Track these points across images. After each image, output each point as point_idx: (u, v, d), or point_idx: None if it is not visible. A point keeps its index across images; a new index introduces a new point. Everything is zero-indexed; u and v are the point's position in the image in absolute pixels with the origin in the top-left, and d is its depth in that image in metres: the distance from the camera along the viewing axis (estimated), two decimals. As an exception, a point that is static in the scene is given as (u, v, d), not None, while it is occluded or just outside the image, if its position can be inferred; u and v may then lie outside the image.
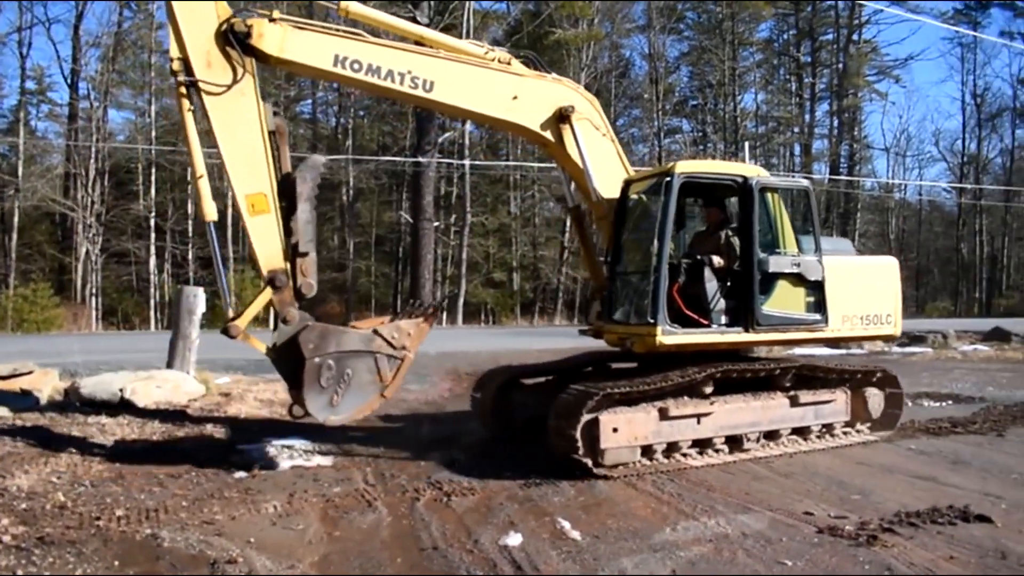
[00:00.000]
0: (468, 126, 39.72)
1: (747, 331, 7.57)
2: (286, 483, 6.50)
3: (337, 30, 7.14)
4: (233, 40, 6.53)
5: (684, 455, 7.26)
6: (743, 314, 7.60)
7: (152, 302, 36.25)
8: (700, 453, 7.36)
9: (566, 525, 5.32)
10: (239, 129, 6.65)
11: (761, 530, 5.24)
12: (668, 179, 7.37)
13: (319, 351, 6.60)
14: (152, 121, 39.32)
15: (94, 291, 35.25)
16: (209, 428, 8.72)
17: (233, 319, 6.62)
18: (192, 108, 6.62)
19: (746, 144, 20.01)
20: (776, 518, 5.52)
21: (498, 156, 47.30)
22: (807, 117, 54.99)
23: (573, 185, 8.82)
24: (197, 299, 11.76)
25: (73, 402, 9.84)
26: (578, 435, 6.50)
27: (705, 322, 7.51)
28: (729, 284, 7.71)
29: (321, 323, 6.85)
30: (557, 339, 21.23)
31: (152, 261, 36.76)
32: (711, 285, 7.63)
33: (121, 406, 9.70)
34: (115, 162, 39.08)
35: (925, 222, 63.78)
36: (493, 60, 7.81)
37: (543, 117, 8.00)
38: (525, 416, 8.31)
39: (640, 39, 51.24)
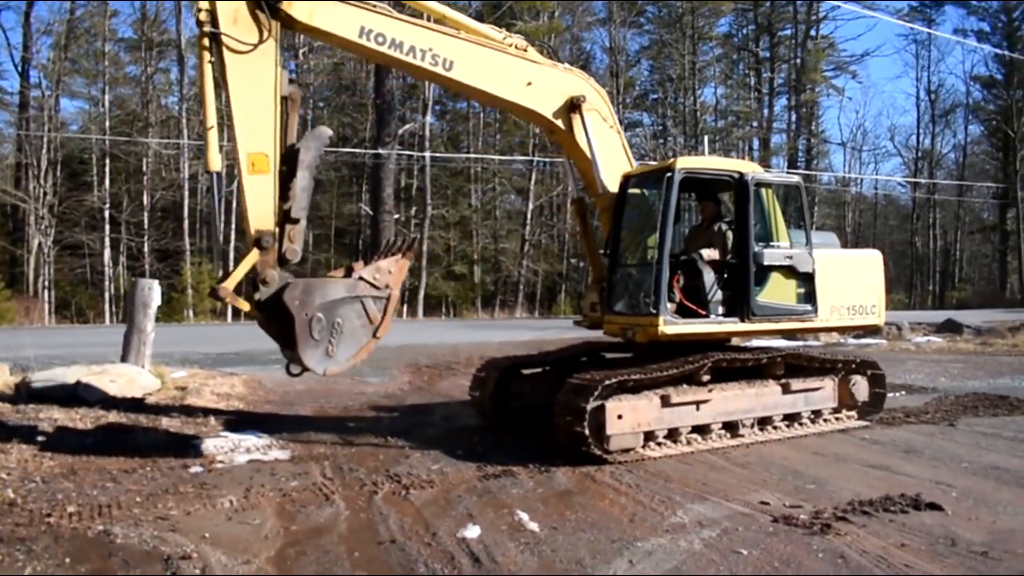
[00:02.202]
0: (429, 117, 39.55)
1: (743, 321, 7.88)
2: (242, 477, 6.43)
3: (364, 3, 7.27)
4: (264, 3, 6.64)
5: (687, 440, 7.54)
6: (739, 305, 7.89)
7: (107, 295, 35.65)
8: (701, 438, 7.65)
9: (524, 517, 5.32)
10: (254, 89, 6.71)
11: (717, 520, 5.29)
12: (669, 174, 7.60)
13: (306, 306, 6.58)
14: (106, 111, 38.56)
15: (47, 284, 34.56)
16: (164, 422, 8.59)
17: (220, 281, 6.55)
18: (211, 60, 6.64)
19: (705, 138, 20.21)
20: (732, 508, 5.58)
21: (459, 149, 47.18)
22: (766, 112, 55.68)
23: (578, 176, 9.00)
24: (152, 292, 11.55)
25: (24, 397, 9.63)
26: (585, 422, 6.67)
27: (703, 313, 7.76)
28: (725, 276, 7.99)
29: (302, 278, 6.84)
30: (519, 332, 21.28)
31: (107, 253, 36.13)
32: (708, 277, 7.91)
33: (74, 400, 9.52)
34: (68, 152, 38.35)
35: (880, 216, 64.87)
36: (511, 46, 8.01)
37: (555, 105, 8.21)
38: (522, 405, 8.62)
39: (601, 32, 51.46)
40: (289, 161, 6.84)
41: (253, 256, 6.60)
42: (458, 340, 18.90)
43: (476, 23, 8.22)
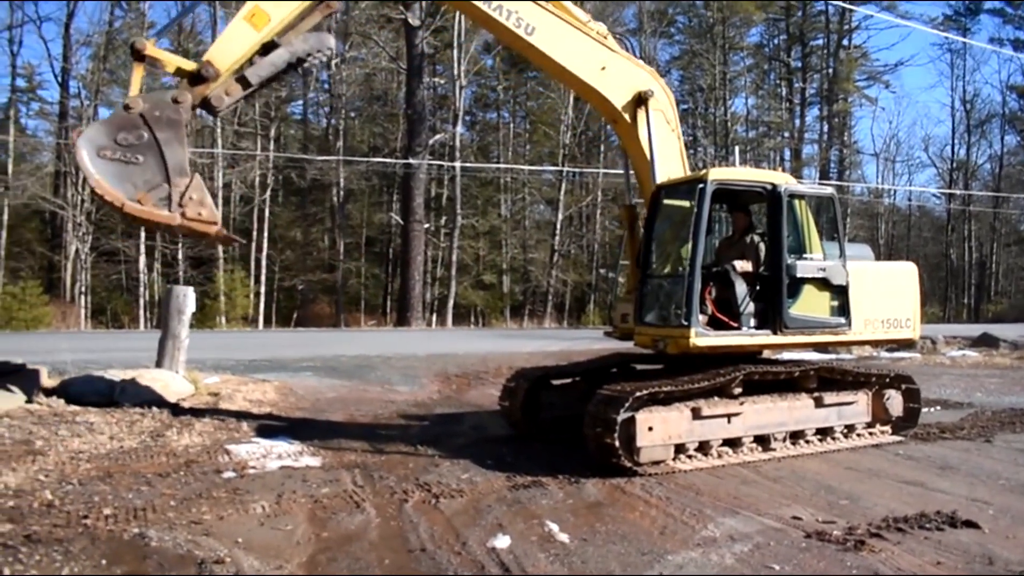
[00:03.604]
0: (459, 127, 39.73)
1: (775, 333, 7.82)
2: (274, 483, 6.48)
3: None
4: None
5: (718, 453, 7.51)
6: (771, 317, 7.84)
7: (141, 301, 36.08)
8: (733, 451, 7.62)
9: (554, 528, 5.32)
10: None
11: (749, 534, 5.25)
12: (701, 185, 7.56)
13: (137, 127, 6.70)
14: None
15: (83, 289, 35.06)
16: (198, 427, 8.68)
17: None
18: None
19: (736, 148, 20.08)
20: (764, 522, 5.54)
21: (489, 159, 47.35)
22: (797, 122, 55.24)
23: (633, 181, 9.13)
24: (187, 299, 11.72)
25: (61, 400, 9.78)
26: (615, 433, 6.66)
27: (735, 325, 7.73)
28: (758, 288, 7.96)
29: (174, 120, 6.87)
30: (548, 342, 21.27)
31: (142, 260, 36.59)
32: (740, 289, 7.88)
33: (110, 404, 9.67)
34: (105, 160, 38.87)
35: (914, 227, 64.09)
36: (593, 31, 8.29)
37: (624, 95, 8.43)
38: (552, 415, 8.66)
39: (632, 42, 51.40)
40: (284, 41, 7.19)
41: (182, 65, 6.96)
42: (487, 349, 18.92)
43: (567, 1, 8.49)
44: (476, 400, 12.01)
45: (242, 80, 7.12)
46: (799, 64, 55.21)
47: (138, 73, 7.08)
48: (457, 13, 36.46)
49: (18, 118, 40.60)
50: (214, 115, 7.44)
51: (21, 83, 40.98)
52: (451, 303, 38.73)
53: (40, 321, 28.75)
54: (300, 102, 46.60)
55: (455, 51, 38.17)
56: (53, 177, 38.83)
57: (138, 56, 6.91)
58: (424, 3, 35.98)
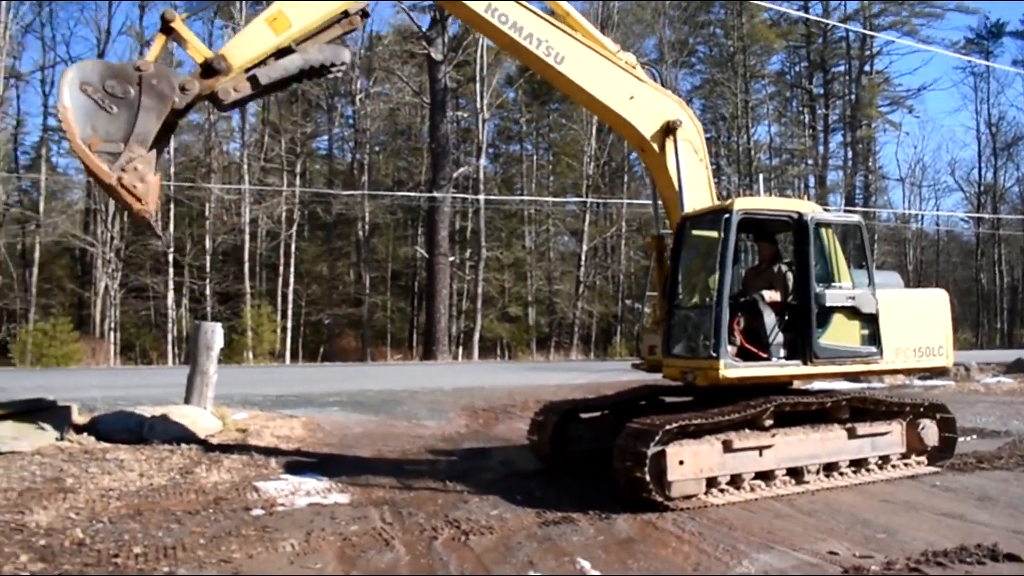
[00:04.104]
0: (483, 160, 39.98)
1: (805, 364, 7.73)
2: (303, 521, 6.45)
3: None
4: None
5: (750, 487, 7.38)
6: (801, 347, 7.75)
7: (170, 337, 36.41)
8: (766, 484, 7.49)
9: (586, 565, 5.25)
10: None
11: (784, 570, 5.16)
12: (727, 216, 7.53)
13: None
14: (171, 157, 39.74)
15: (113, 326, 35.47)
16: (227, 464, 8.69)
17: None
18: None
19: (760, 176, 19.99)
20: (800, 557, 5.44)
21: (512, 191, 47.56)
22: (821, 148, 55.03)
23: (662, 213, 9.14)
24: (215, 335, 11.80)
25: (92, 437, 9.85)
26: (646, 467, 6.59)
27: (764, 355, 7.66)
28: (786, 318, 7.89)
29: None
30: (574, 374, 21.17)
31: (170, 296, 36.98)
32: (768, 319, 7.81)
33: (140, 441, 9.72)
34: (134, 198, 39.46)
35: (943, 252, 63.36)
36: (622, 60, 8.44)
37: (652, 124, 8.50)
38: (581, 449, 8.59)
39: (652, 72, 51.47)
40: (300, 48, 7.40)
41: (200, 49, 7.16)
42: (514, 383, 18.86)
43: (595, 30, 8.68)
44: (504, 434, 11.95)
45: (252, 79, 7.30)
46: (821, 91, 55.12)
47: (159, 43, 7.30)
48: (480, 47, 37.03)
49: (49, 157, 41.39)
50: (220, 108, 7.62)
51: (52, 122, 41.75)
52: (477, 336, 38.74)
53: (71, 358, 29.04)
54: (325, 137, 47.19)
55: (478, 85, 38.51)
56: (83, 214, 39.46)
57: (165, 27, 7.14)
58: (446, 38, 36.45)
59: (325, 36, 7.58)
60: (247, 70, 7.28)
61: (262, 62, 7.31)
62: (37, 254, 35.47)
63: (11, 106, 37.28)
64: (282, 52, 7.36)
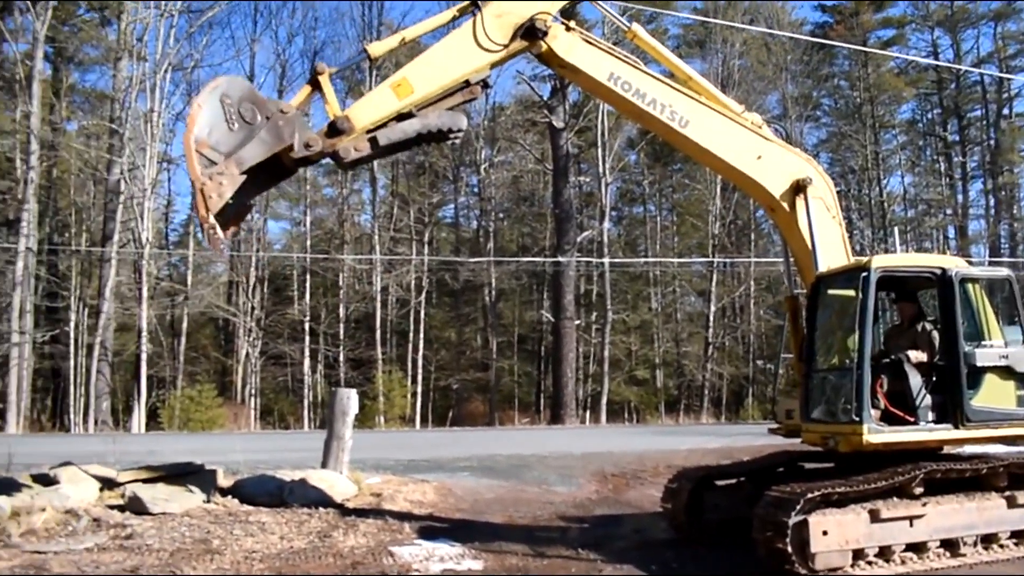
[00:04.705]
0: (606, 223, 40.09)
1: (956, 428, 7.34)
2: (438, 587, 6.49)
3: (617, 53, 8.19)
4: (529, 30, 7.75)
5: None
6: (951, 410, 7.36)
7: (306, 402, 37.70)
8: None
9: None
10: (455, 57, 7.83)
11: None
12: (865, 274, 7.30)
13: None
14: (307, 230, 41.83)
15: (253, 392, 37.04)
16: (363, 528, 8.87)
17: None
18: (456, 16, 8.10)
19: (895, 229, 19.24)
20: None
21: (637, 253, 47.38)
22: (960, 198, 52.41)
23: (794, 270, 8.98)
24: (351, 400, 12.15)
25: (236, 500, 10.25)
26: (787, 538, 6.36)
27: (911, 419, 7.31)
28: (934, 379, 7.52)
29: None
30: (705, 438, 20.61)
31: (306, 363, 38.40)
32: (915, 381, 7.47)
33: (280, 504, 10.04)
34: (273, 269, 41.59)
35: (1104, 305, 58.83)
36: (747, 121, 8.41)
37: (781, 183, 8.36)
38: (717, 518, 8.32)
39: (777, 130, 50.83)
40: (420, 114, 7.69)
41: (333, 107, 7.55)
42: (643, 447, 18.52)
43: (718, 92, 8.68)
44: (635, 501, 11.72)
45: (373, 140, 7.61)
46: (957, 137, 52.72)
47: (304, 92, 7.77)
48: (600, 112, 37.44)
49: (196, 233, 44.10)
50: (341, 167, 7.97)
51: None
52: (604, 399, 38.36)
53: (215, 422, 30.44)
54: (451, 206, 48.45)
55: (599, 149, 38.84)
56: (227, 286, 41.68)
57: (313, 79, 7.61)
58: (567, 106, 37.07)
59: (446, 103, 7.86)
60: (368, 131, 7.61)
61: (383, 124, 7.64)
62: (185, 324, 37.58)
63: (162, 187, 40.03)
64: (403, 116, 7.68)
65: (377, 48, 8.19)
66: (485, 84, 8.15)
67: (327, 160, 7.91)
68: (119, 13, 34.00)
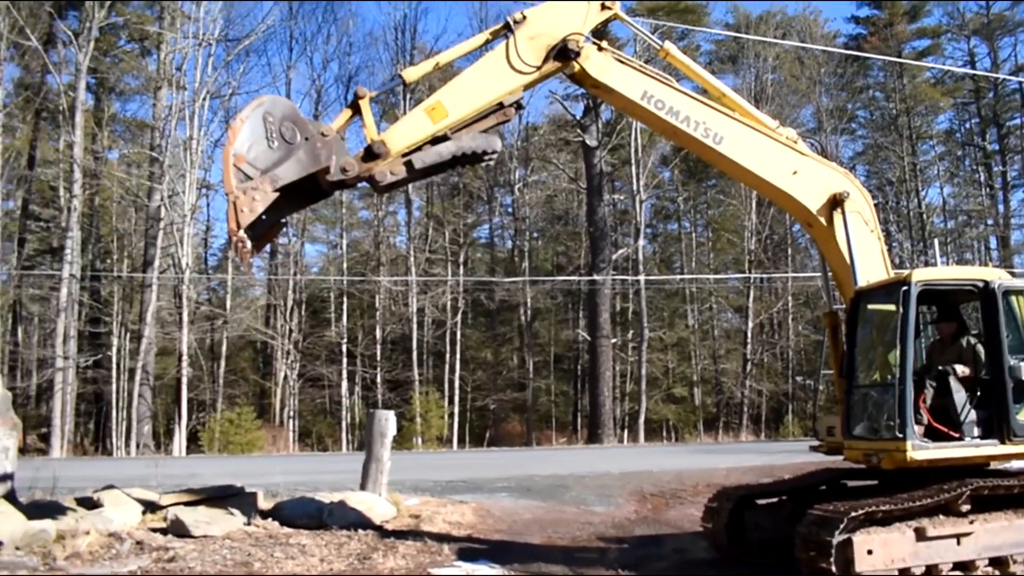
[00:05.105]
0: (641, 241, 39.99)
1: (1003, 443, 7.21)
2: (478, 609, 6.47)
3: (650, 71, 8.22)
4: (562, 51, 7.81)
5: None
6: (997, 425, 7.24)
7: (343, 423, 37.88)
8: None
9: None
10: (489, 78, 7.91)
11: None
12: (905, 288, 7.22)
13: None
14: (343, 253, 42.23)
15: (291, 414, 37.31)
16: (402, 550, 8.87)
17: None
18: (489, 39, 8.22)
19: (935, 241, 19.03)
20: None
21: (672, 270, 47.15)
22: (1001, 208, 51.46)
23: (833, 285, 8.89)
24: (388, 422, 12.20)
25: (276, 523, 10.30)
26: (831, 557, 6.28)
27: (955, 435, 7.19)
28: (978, 394, 7.39)
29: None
30: (745, 456, 20.38)
31: (344, 385, 38.62)
32: (959, 396, 7.35)
33: (319, 526, 10.08)
34: (311, 292, 42.02)
35: None
36: (782, 136, 8.38)
37: (818, 198, 8.28)
38: (759, 537, 8.21)
39: (812, 144, 50.37)
40: (454, 136, 7.76)
41: (371, 130, 7.65)
42: (682, 466, 18.35)
43: (751, 107, 8.66)
44: (675, 520, 11.60)
45: (408, 164, 7.70)
46: (996, 147, 51.82)
47: (344, 115, 7.88)
48: (634, 130, 37.43)
49: (233, 257, 44.67)
50: (376, 190, 8.06)
51: (238, 227, 45.28)
52: (642, 418, 38.09)
53: (254, 445, 30.66)
54: (486, 227, 48.59)
55: (633, 167, 38.81)
56: (265, 310, 42.14)
57: (354, 102, 7.73)
58: (600, 124, 37.11)
59: (480, 126, 7.93)
60: (404, 155, 7.69)
61: (418, 148, 7.72)
62: (224, 348, 38.02)
63: (201, 213, 40.63)
64: (438, 139, 7.77)
65: (412, 73, 8.29)
66: (518, 106, 8.20)
67: (363, 183, 8.00)
68: (159, 44, 34.83)
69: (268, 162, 7.26)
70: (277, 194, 7.24)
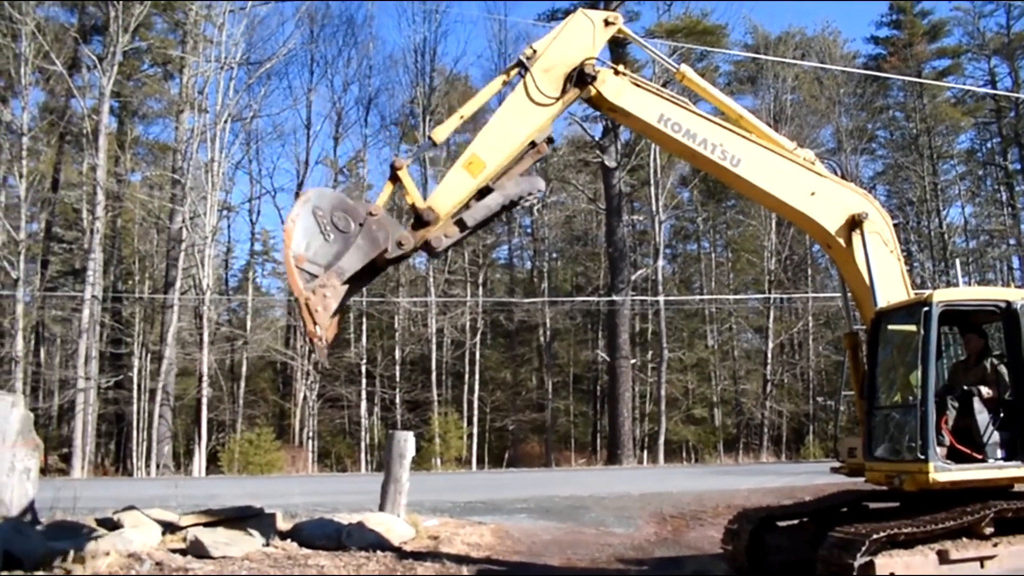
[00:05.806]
0: (660, 261, 39.92)
1: None
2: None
3: (666, 94, 8.28)
4: (579, 76, 7.82)
5: None
6: (1021, 446, 7.17)
7: (362, 444, 37.89)
8: None
9: None
10: (518, 120, 7.90)
11: None
12: (926, 308, 7.18)
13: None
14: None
15: (311, 435, 37.35)
16: (420, 571, 8.85)
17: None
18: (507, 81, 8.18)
19: (957, 261, 18.86)
20: None
21: (692, 290, 46.99)
22: (1023, 227, 51.04)
23: (853, 306, 8.82)
24: (407, 443, 12.21)
25: (295, 544, 10.30)
26: None
27: (979, 456, 7.12)
28: (1002, 415, 7.32)
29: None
30: (766, 477, 20.20)
31: (363, 405, 38.68)
32: (982, 417, 7.29)
33: (338, 547, 10.06)
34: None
35: None
36: (800, 157, 8.38)
37: (836, 219, 8.26)
38: (780, 560, 8.15)
39: (831, 165, 49.98)
40: (497, 185, 7.75)
41: (415, 199, 7.66)
42: (702, 487, 18.22)
43: (769, 129, 8.68)
44: (695, 542, 11.50)
45: (459, 223, 7.73)
46: (1018, 166, 51.37)
47: (387, 190, 7.97)
48: (652, 151, 37.45)
49: (255, 279, 45.09)
50: (434, 256, 8.10)
51: (258, 247, 45.81)
52: (662, 439, 37.86)
53: (273, 465, 30.71)
54: (505, 247, 48.75)
55: (652, 188, 38.80)
56: (284, 330, 42.34)
57: (393, 174, 7.76)
58: (619, 145, 37.19)
59: (518, 168, 8.00)
60: (453, 215, 7.72)
61: (465, 205, 7.75)
62: (244, 368, 38.19)
63: (223, 234, 41.00)
64: (482, 192, 7.79)
65: (440, 133, 8.25)
66: (550, 140, 8.29)
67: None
68: (181, 67, 35.28)
69: (328, 256, 7.28)
70: (347, 287, 7.30)
